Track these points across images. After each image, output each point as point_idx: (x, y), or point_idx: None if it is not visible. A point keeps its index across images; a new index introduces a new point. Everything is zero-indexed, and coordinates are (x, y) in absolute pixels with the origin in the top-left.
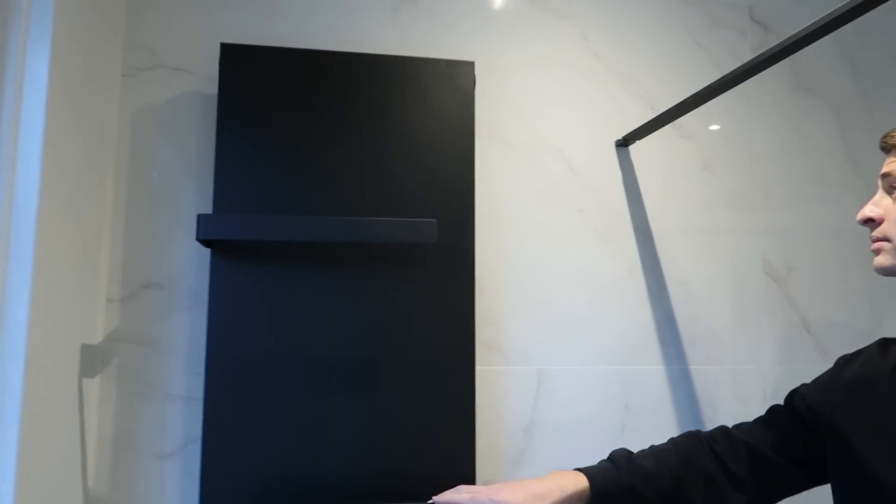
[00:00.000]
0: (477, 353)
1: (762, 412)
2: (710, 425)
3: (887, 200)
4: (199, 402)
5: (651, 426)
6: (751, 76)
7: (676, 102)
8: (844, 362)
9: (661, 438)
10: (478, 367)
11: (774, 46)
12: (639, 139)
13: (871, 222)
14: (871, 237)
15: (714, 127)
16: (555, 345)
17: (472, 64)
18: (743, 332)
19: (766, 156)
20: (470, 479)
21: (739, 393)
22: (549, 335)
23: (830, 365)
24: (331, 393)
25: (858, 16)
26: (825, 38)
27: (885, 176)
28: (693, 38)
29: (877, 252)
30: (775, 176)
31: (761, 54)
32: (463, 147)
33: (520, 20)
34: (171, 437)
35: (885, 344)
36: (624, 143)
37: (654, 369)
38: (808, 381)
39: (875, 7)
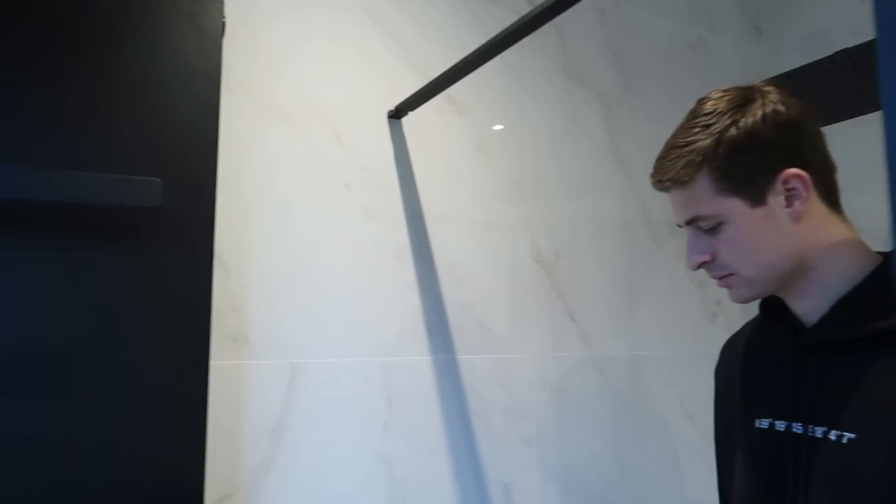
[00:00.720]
0: (216, 346)
1: (527, 401)
2: (475, 417)
3: (704, 238)
4: None
5: (414, 422)
6: (513, 42)
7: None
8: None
9: (424, 434)
10: (215, 362)
11: (535, 9)
12: (411, 111)
13: (704, 264)
14: (713, 277)
15: (498, 127)
16: (312, 335)
17: (220, 3)
18: (511, 320)
19: (538, 140)
20: (198, 495)
21: (504, 382)
22: (305, 324)
23: (591, 353)
24: (7, 397)
25: None
26: (595, 31)
27: (690, 222)
28: (471, 11)
29: (728, 287)
30: (546, 161)
31: (522, 17)
32: (205, 99)
33: None
34: None
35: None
36: (396, 115)
37: (419, 360)
38: (570, 368)
39: None
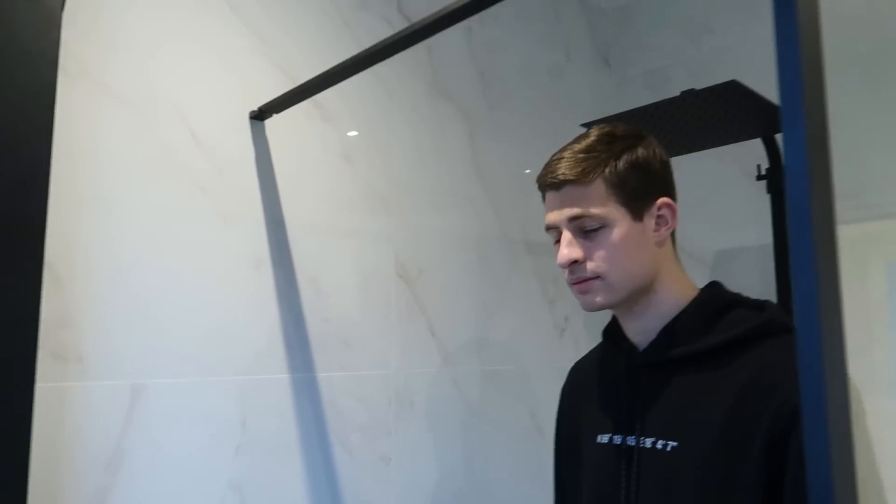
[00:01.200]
0: (43, 365)
1: (387, 418)
2: (333, 436)
3: (581, 240)
4: None
5: (270, 444)
6: (388, 56)
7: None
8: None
9: (280, 457)
10: (42, 384)
11: (408, 28)
12: (276, 113)
13: (574, 264)
14: (575, 279)
15: (352, 133)
16: (157, 353)
17: None
18: (373, 336)
19: (404, 152)
20: None
21: (364, 399)
22: (149, 341)
23: (449, 368)
24: None
25: (485, 7)
26: (462, 49)
27: (573, 220)
28: (341, 15)
29: (585, 291)
30: (410, 173)
31: (397, 34)
32: (39, 81)
33: None
34: None
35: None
36: (259, 116)
37: (277, 378)
38: (429, 383)
39: (500, 1)
